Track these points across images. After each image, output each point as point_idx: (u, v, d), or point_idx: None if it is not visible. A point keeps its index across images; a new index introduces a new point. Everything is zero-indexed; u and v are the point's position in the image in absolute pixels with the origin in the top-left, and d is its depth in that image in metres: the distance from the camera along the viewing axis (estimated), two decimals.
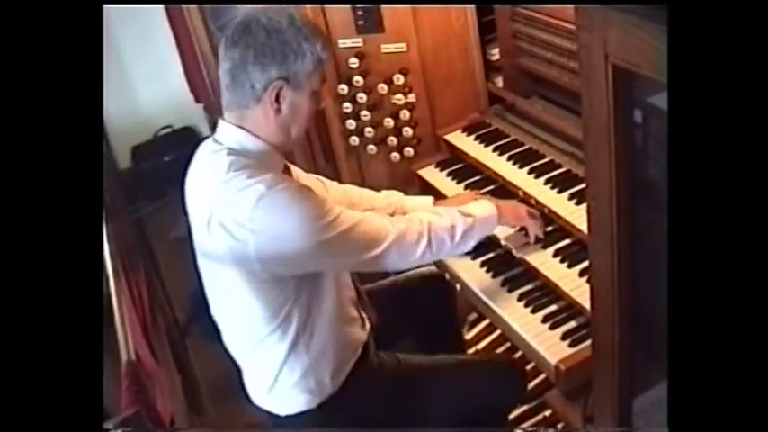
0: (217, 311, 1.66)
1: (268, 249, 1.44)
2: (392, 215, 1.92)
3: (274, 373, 1.62)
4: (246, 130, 1.50)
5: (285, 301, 1.54)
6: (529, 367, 2.01)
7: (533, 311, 1.76)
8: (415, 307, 1.97)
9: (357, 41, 2.22)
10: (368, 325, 1.78)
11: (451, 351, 2.01)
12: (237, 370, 1.73)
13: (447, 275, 2.01)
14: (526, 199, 1.95)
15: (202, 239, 1.53)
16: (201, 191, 1.54)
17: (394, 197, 1.96)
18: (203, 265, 1.60)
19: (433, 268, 2.06)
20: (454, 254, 1.70)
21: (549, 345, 1.67)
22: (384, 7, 2.15)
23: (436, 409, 1.83)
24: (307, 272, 1.53)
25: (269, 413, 1.70)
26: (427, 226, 1.61)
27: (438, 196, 2.14)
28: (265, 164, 1.50)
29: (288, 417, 1.66)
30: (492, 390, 1.84)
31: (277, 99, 1.47)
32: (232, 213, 1.44)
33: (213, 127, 1.62)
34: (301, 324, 1.57)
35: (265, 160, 1.51)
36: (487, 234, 1.77)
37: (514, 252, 1.85)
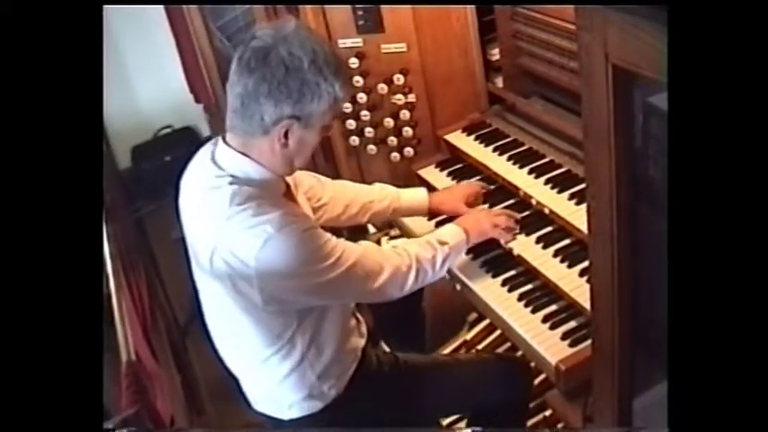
0: (214, 329, 1.65)
1: (271, 287, 1.44)
2: (389, 208, 1.96)
3: (276, 389, 1.62)
4: (250, 157, 1.46)
5: (288, 327, 1.54)
6: None
7: (533, 311, 1.75)
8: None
9: (357, 41, 2.22)
10: (364, 329, 1.78)
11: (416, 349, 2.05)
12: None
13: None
14: (526, 199, 1.95)
15: (204, 267, 1.51)
16: (203, 219, 1.50)
17: (388, 190, 1.98)
18: (202, 285, 1.59)
19: None
20: (430, 282, 1.73)
21: (549, 345, 1.67)
22: (384, 7, 2.15)
23: (438, 407, 1.83)
24: (307, 307, 1.54)
25: (269, 417, 1.70)
26: (415, 257, 1.65)
27: None
28: (269, 191, 1.48)
29: (291, 420, 1.66)
30: (494, 387, 1.83)
31: (285, 135, 1.43)
32: (237, 251, 1.41)
33: (213, 128, 1.61)
34: (306, 346, 1.57)
35: (268, 188, 1.49)
36: (458, 258, 1.82)
37: (503, 242, 1.88)
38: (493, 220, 1.86)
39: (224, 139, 1.49)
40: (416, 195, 2.01)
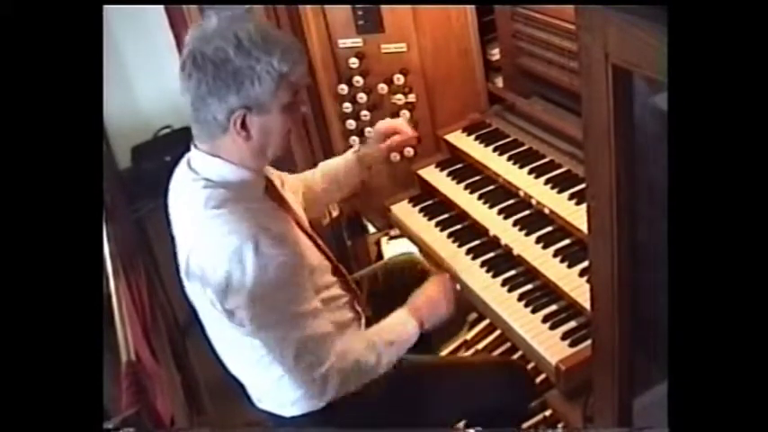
0: (208, 332, 1.65)
1: (241, 304, 1.44)
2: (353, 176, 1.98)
3: (276, 387, 1.62)
4: (222, 158, 1.47)
5: None
6: (529, 367, 2.01)
7: (533, 311, 1.75)
8: (393, 295, 1.92)
9: (357, 41, 2.22)
10: (363, 321, 1.78)
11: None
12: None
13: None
14: (526, 199, 1.96)
15: (182, 272, 1.53)
16: (181, 222, 1.53)
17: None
18: (188, 290, 1.59)
19: (411, 256, 2.15)
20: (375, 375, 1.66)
21: (549, 345, 1.67)
22: (384, 7, 2.14)
23: (438, 407, 1.82)
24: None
25: (270, 414, 1.70)
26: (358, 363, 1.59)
27: (438, 196, 2.16)
28: (245, 192, 1.48)
29: (292, 418, 1.66)
30: (494, 391, 1.83)
31: (243, 127, 1.43)
32: (206, 262, 1.43)
33: None
34: None
35: (246, 188, 1.49)
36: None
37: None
38: (448, 296, 1.78)
39: (195, 145, 1.51)
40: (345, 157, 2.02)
